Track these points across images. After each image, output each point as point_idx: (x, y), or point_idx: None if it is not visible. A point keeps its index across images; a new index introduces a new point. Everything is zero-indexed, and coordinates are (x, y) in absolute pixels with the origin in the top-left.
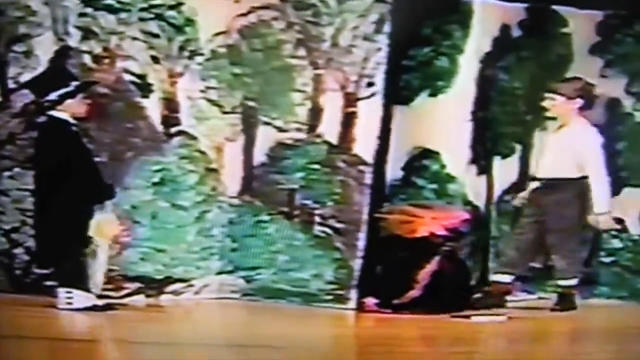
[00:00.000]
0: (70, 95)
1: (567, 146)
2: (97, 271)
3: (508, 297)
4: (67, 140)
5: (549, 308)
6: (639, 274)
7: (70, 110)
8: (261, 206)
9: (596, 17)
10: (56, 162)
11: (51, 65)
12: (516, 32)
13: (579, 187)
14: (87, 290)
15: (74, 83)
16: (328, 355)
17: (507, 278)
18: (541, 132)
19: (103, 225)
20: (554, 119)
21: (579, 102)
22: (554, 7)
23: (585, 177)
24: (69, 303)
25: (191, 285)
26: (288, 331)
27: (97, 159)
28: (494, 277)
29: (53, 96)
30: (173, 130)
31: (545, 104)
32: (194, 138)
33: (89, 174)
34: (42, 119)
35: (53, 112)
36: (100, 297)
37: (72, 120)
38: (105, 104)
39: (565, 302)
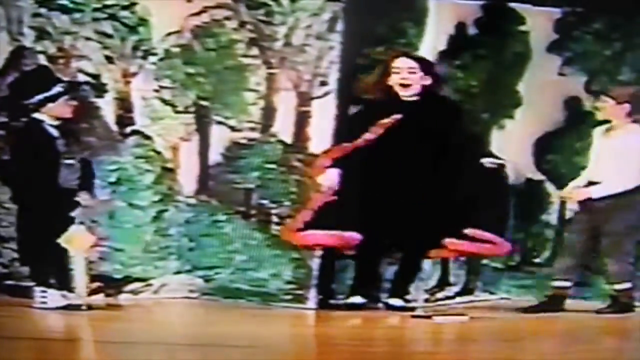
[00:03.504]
0: (53, 98)
1: (625, 151)
2: (78, 280)
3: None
4: (45, 143)
5: (513, 308)
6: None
7: (54, 112)
8: (218, 206)
9: (554, 15)
10: (33, 164)
11: (36, 67)
12: (472, 30)
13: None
14: (68, 290)
15: (59, 85)
16: (288, 354)
17: (566, 283)
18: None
19: (75, 237)
20: (606, 121)
21: (627, 107)
22: (511, 4)
23: None
24: (44, 302)
25: (149, 285)
26: (247, 331)
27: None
28: (554, 283)
29: (36, 99)
30: (128, 129)
31: (598, 104)
32: (148, 138)
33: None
34: (22, 121)
35: (36, 115)
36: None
37: (52, 123)
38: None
39: (619, 305)
